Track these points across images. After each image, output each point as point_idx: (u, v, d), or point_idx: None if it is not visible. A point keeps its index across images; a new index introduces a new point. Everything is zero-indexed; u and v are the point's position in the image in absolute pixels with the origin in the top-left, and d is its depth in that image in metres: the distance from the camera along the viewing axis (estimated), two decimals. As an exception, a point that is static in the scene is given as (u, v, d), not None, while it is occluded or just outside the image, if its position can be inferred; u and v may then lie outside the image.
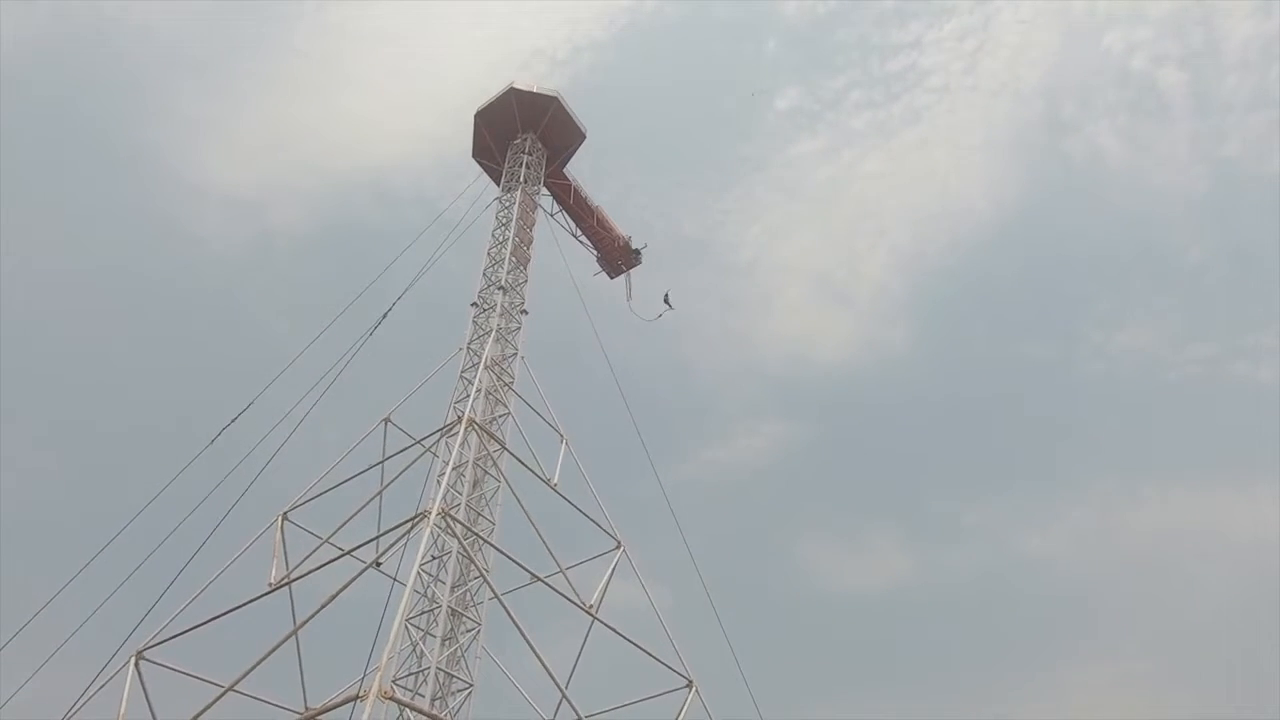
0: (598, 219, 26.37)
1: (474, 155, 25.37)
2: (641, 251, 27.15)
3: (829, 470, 60.64)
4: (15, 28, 45.23)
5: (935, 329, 60.98)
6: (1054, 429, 57.66)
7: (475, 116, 24.70)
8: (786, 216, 61.03)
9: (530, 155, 24.18)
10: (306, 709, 12.68)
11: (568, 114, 24.68)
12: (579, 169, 26.02)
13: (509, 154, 24.62)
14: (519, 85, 24.32)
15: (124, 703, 12.90)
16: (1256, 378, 50.93)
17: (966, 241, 60.16)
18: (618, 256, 27.09)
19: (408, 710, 13.01)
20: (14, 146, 43.86)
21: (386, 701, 10.02)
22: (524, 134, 24.62)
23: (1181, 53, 56.80)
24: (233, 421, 19.56)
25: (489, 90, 24.76)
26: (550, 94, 24.49)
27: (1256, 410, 48.15)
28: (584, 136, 25.18)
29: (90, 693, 13.58)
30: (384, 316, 21.49)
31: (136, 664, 13.46)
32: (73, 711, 13.56)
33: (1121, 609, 51.11)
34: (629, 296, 27.05)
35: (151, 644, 13.75)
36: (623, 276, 27.36)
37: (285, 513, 15.66)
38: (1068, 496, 56.37)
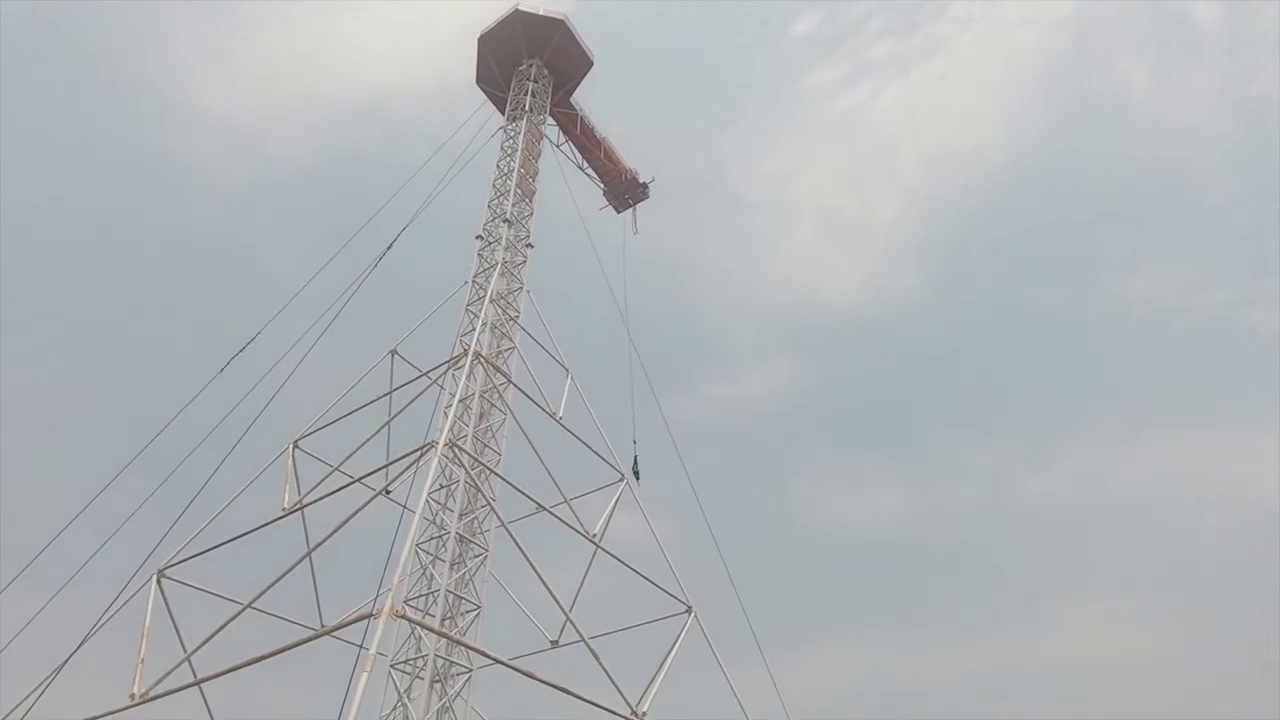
0: (605, 151, 25.77)
1: (477, 82, 24.62)
2: (649, 185, 26.67)
3: (834, 409, 61.25)
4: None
5: (946, 271, 60.41)
6: (1061, 373, 57.83)
7: (479, 40, 23.86)
8: (799, 152, 59.62)
9: (536, 83, 23.46)
10: (322, 626, 13.23)
11: (575, 39, 23.82)
12: (586, 99, 25.29)
13: (514, 81, 23.88)
14: (524, 7, 23.39)
15: (148, 617, 13.47)
16: (1269, 325, 50.61)
17: (982, 181, 58.90)
18: (625, 190, 26.60)
19: (419, 629, 13.57)
20: (11, 75, 42.70)
21: (399, 619, 10.43)
22: (529, 60, 23.82)
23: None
24: (241, 351, 19.71)
25: (493, 13, 23.89)
26: (557, 16, 23.58)
27: (1266, 357, 48.07)
28: (591, 63, 24.35)
29: (115, 608, 14.17)
30: (388, 249, 21.31)
31: (159, 582, 13.99)
32: (99, 625, 14.19)
33: (1116, 549, 52.36)
34: (635, 231, 26.74)
35: (172, 563, 14.26)
36: (629, 211, 26.96)
37: (296, 441, 15.95)
38: (1069, 439, 57.00)
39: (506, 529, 13.50)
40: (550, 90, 24.09)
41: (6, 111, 41.15)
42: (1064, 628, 49.13)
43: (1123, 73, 56.98)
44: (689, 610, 15.58)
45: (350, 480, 14.30)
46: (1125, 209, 58.47)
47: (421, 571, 14.90)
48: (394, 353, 16.98)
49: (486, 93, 24.72)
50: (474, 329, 17.38)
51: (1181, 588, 48.51)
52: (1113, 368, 57.53)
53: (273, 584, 12.07)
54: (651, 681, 13.71)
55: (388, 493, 14.17)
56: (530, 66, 23.73)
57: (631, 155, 26.59)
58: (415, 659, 14.28)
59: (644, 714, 12.93)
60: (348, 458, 15.18)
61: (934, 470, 58.38)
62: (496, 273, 18.78)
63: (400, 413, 16.07)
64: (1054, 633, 48.94)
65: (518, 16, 23.33)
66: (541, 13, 23.49)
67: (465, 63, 24.47)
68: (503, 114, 23.89)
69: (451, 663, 14.47)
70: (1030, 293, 60.11)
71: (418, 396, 16.13)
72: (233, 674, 11.49)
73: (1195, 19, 56.37)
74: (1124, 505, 53.94)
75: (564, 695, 11.86)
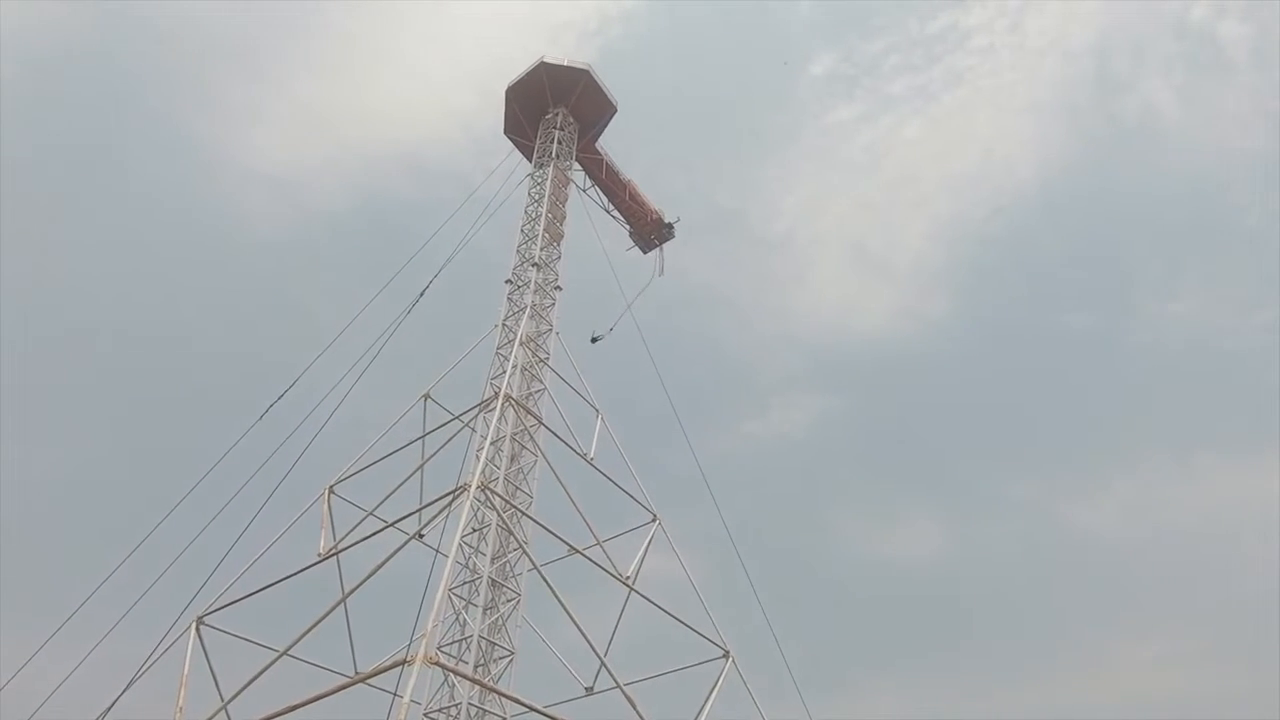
0: (630, 193, 26.23)
1: (505, 132, 25.35)
2: (674, 225, 27.01)
3: (867, 443, 60.15)
4: (65, 27, 46.48)
5: (976, 299, 59.57)
6: (1101, 401, 56.17)
7: (506, 92, 24.65)
8: (823, 186, 59.92)
9: (562, 130, 24.08)
10: (356, 673, 13.18)
11: (599, 87, 24.47)
12: (611, 142, 25.89)
13: (540, 129, 24.54)
14: (549, 59, 24.16)
15: (187, 665, 13.58)
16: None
17: (1009, 208, 58.39)
18: (650, 231, 26.98)
19: (452, 675, 13.44)
20: (66, 138, 45.28)
21: (432, 667, 10.36)
22: (555, 108, 24.51)
23: (1245, 3, 53.72)
24: (280, 398, 20.16)
25: (520, 64, 24.73)
26: (581, 67, 24.29)
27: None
28: (615, 109, 24.96)
29: (156, 655, 14.32)
30: (421, 295, 21.80)
31: (198, 629, 14.14)
32: (140, 673, 14.34)
33: (1170, 584, 49.97)
34: (661, 271, 26.98)
35: (211, 610, 14.41)
36: (655, 251, 27.28)
37: (331, 486, 16.15)
38: (1115, 469, 55.04)
39: (539, 572, 13.40)
40: (576, 136, 24.71)
41: (54, 173, 43.48)
42: (1125, 666, 46.77)
43: (1148, 94, 56.50)
44: (726, 655, 15.20)
45: (384, 525, 14.39)
46: (1160, 231, 57.39)
47: (455, 617, 14.82)
48: (427, 397, 17.21)
49: (514, 142, 25.43)
50: (505, 372, 17.57)
51: (1242, 624, 45.93)
52: (1156, 394, 55.74)
53: (307, 631, 12.09)
54: (689, 729, 13.34)
55: (421, 537, 14.22)
56: (556, 115, 24.40)
57: (656, 193, 27.05)
58: (449, 707, 14.12)
59: (682, 764, 12.55)
60: (381, 502, 15.31)
61: (974, 503, 56.78)
62: (526, 316, 19.04)
63: (433, 456, 16.21)
64: (1116, 671, 46.62)
65: (543, 68, 24.09)
66: (565, 63, 24.23)
67: (493, 106, 25.30)
68: (530, 161, 24.51)
69: (485, 711, 14.27)
70: (1066, 318, 58.92)
71: (450, 440, 16.28)
72: (269, 723, 11.45)
73: (1221, 38, 55.88)
74: (1177, 537, 51.67)
75: (600, 745, 11.57)
